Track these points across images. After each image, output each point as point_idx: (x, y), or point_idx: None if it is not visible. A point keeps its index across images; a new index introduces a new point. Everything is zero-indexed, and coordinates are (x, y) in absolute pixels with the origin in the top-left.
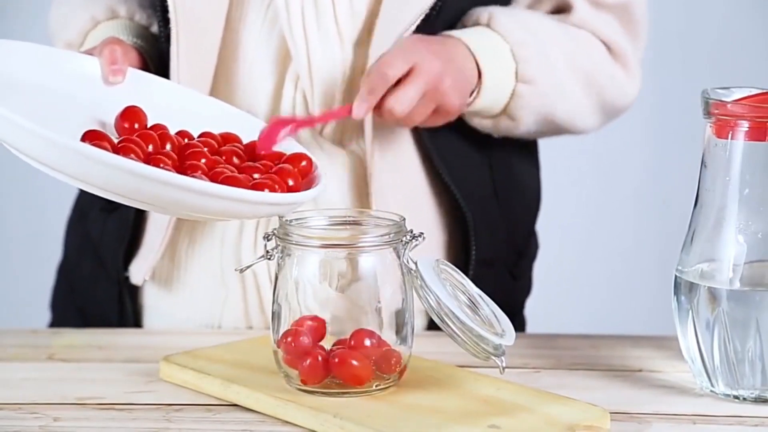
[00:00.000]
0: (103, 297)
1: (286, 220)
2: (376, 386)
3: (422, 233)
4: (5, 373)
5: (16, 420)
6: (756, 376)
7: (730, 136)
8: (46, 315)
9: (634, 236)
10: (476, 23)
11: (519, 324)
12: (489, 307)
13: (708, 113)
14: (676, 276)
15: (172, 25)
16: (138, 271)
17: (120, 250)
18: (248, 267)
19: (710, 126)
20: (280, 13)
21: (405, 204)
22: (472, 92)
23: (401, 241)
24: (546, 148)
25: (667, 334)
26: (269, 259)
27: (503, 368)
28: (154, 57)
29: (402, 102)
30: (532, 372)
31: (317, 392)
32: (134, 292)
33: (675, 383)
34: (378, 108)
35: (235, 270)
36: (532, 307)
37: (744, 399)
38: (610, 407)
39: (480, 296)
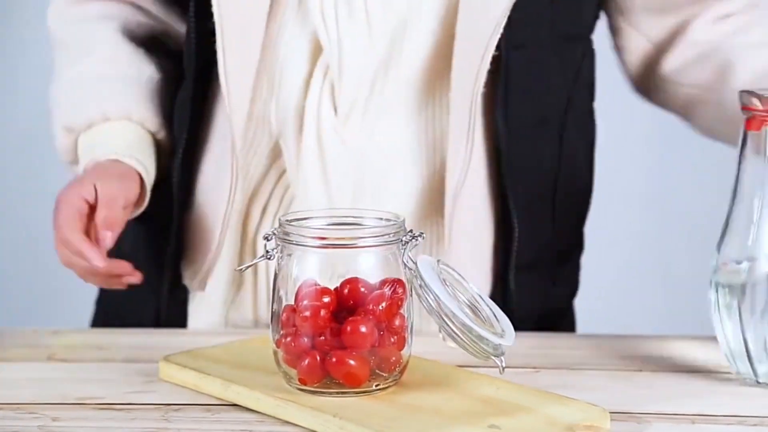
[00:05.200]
0: (142, 312)
1: (286, 220)
2: (376, 386)
3: (422, 233)
4: (5, 373)
5: (16, 420)
6: None
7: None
8: (46, 316)
9: (634, 236)
10: None
11: (568, 324)
12: (489, 307)
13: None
14: (713, 269)
15: (216, 18)
16: (193, 278)
17: (159, 259)
18: (248, 266)
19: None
20: (313, 6)
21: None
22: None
23: (401, 241)
24: None
25: (667, 334)
26: (269, 259)
27: (503, 368)
28: (154, 161)
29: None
30: (532, 372)
31: (317, 392)
32: (172, 298)
33: (675, 383)
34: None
35: (235, 270)
36: None
37: None
38: (610, 407)
39: (480, 296)
